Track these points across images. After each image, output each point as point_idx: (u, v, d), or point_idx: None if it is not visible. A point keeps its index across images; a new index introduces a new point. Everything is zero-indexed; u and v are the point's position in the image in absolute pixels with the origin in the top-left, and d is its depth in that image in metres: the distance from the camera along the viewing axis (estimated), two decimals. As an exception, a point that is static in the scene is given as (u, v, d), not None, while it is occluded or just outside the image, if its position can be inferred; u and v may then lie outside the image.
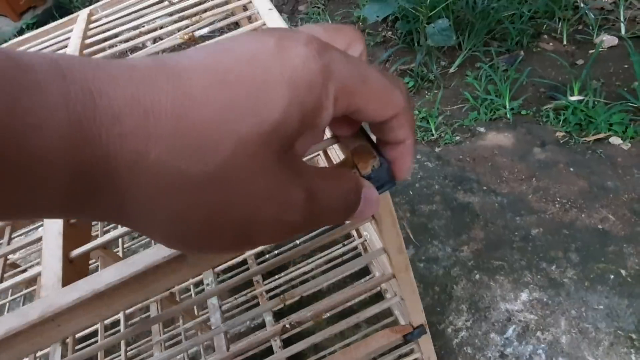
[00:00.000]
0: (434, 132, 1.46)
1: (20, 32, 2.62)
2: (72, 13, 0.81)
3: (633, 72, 1.42)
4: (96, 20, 0.75)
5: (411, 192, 1.30)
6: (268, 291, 0.97)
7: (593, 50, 1.55)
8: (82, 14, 0.77)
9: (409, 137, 0.25)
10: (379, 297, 1.05)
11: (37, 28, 0.83)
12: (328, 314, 0.96)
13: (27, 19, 2.72)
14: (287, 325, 0.51)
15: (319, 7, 2.19)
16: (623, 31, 1.59)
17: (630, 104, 1.33)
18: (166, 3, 0.67)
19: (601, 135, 1.29)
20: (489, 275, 1.10)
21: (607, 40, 1.59)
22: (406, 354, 0.72)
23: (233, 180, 0.18)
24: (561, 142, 1.33)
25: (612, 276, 1.04)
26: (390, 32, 1.93)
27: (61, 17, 0.82)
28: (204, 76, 0.18)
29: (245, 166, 0.18)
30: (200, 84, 0.18)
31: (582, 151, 1.29)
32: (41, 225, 0.41)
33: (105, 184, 0.17)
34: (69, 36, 0.72)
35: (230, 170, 0.18)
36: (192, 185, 0.18)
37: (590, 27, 1.66)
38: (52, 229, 0.42)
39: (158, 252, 0.35)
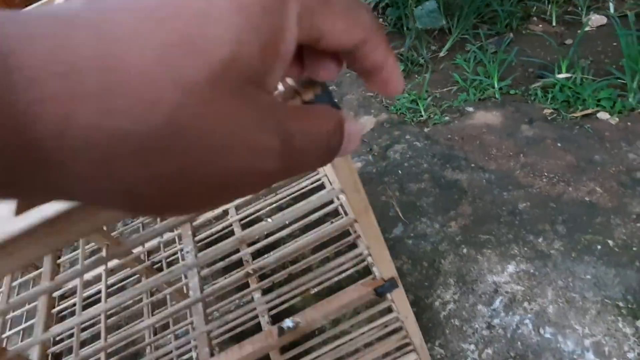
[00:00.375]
0: (423, 113, 1.46)
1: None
2: None
3: (621, 50, 1.42)
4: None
5: (400, 172, 1.31)
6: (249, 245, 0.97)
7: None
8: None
9: (389, 56, 0.22)
10: (366, 272, 1.05)
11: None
12: (312, 287, 0.97)
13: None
14: (250, 271, 0.52)
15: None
16: (612, 10, 1.59)
17: (619, 80, 1.33)
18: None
19: (589, 111, 1.29)
20: (477, 249, 1.10)
21: (596, 19, 1.58)
22: (384, 314, 0.72)
23: (188, 133, 0.16)
24: (549, 118, 1.33)
25: (599, 247, 1.04)
26: (381, 19, 1.93)
27: None
28: (133, 15, 0.15)
29: (200, 114, 0.16)
30: (129, 26, 0.15)
31: (570, 127, 1.29)
32: None
33: (33, 158, 0.15)
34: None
35: (181, 123, 0.16)
36: (139, 146, 0.15)
37: (580, 8, 1.65)
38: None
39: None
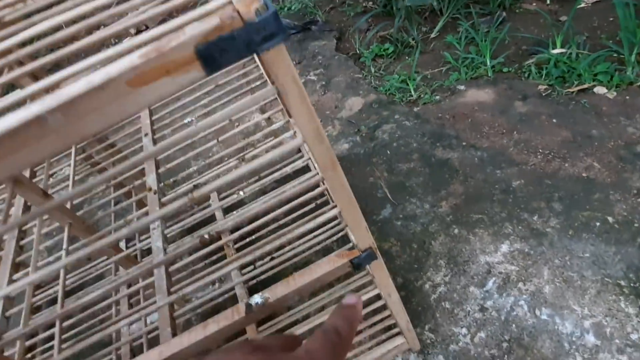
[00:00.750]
0: (412, 93, 1.40)
1: None
2: None
3: (618, 24, 1.36)
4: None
5: (388, 152, 1.25)
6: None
7: (577, 8, 1.50)
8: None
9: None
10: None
11: None
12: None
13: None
14: (206, 236, 0.46)
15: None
16: (608, -15, 1.54)
17: (616, 55, 1.28)
18: None
19: (585, 86, 1.23)
20: (468, 229, 1.04)
21: (592, -6, 1.53)
22: (366, 291, 0.67)
23: None
24: (543, 94, 1.27)
25: (598, 224, 0.98)
26: (370, 2, 1.88)
27: None
28: None
29: None
30: None
31: (565, 102, 1.23)
32: None
33: None
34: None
35: None
36: None
37: (575, -15, 1.60)
38: None
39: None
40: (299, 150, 1.23)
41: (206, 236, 0.46)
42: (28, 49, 0.39)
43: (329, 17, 1.89)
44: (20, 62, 0.63)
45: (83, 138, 0.36)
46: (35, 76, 0.72)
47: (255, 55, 0.80)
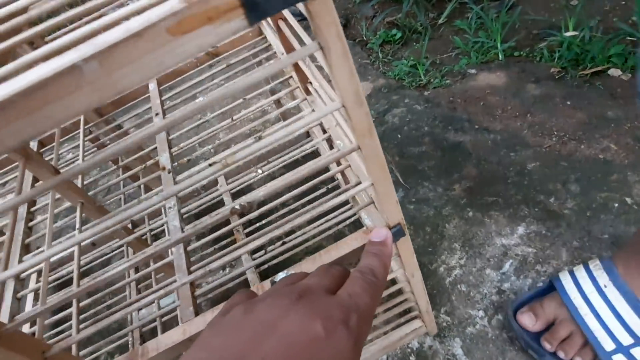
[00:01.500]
0: (422, 77, 1.38)
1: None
2: None
3: (631, 7, 1.35)
4: None
5: (399, 136, 1.23)
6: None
7: (588, -11, 1.48)
8: None
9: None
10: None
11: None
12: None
13: None
14: (237, 207, 0.44)
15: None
16: (619, -33, 1.51)
17: (630, 38, 1.26)
18: None
19: (599, 68, 1.22)
20: (483, 211, 1.02)
21: (603, -23, 1.51)
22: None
23: None
24: (557, 77, 1.25)
25: (616, 205, 0.97)
26: (375, -12, 1.85)
27: None
28: None
29: None
30: None
31: (579, 85, 1.21)
32: None
33: None
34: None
35: None
36: None
37: (585, -32, 1.57)
38: None
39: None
40: (308, 135, 1.21)
41: (237, 207, 0.44)
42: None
43: (334, 3, 1.86)
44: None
45: (119, 92, 0.33)
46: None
47: (264, 30, 0.76)
